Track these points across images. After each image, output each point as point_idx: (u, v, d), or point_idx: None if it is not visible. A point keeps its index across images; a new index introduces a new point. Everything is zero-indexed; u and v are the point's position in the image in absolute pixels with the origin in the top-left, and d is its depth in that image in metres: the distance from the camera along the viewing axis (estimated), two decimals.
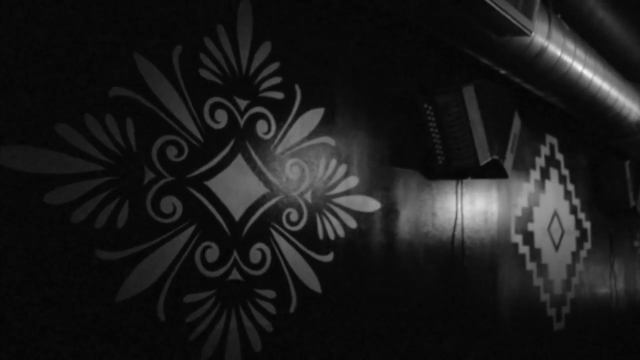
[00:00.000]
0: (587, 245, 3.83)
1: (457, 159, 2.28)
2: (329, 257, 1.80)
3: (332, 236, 1.82)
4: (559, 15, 2.69)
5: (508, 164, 2.45)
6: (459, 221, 2.48)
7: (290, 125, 1.72)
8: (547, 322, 3.20)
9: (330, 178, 1.84)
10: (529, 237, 3.07)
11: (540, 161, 3.30)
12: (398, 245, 2.09)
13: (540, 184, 3.27)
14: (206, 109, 1.50)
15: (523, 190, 3.07)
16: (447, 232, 2.41)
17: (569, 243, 3.57)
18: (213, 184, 1.50)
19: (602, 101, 3.10)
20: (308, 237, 1.73)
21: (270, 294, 1.61)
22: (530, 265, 3.06)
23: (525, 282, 3.00)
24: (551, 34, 2.49)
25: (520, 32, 2.15)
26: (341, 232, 1.85)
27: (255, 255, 1.58)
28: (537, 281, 3.13)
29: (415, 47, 2.27)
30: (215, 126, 1.51)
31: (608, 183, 4.02)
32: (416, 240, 2.21)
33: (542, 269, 3.19)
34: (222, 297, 1.48)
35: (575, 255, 3.62)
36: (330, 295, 1.79)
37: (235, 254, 1.52)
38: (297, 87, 1.76)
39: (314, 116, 1.81)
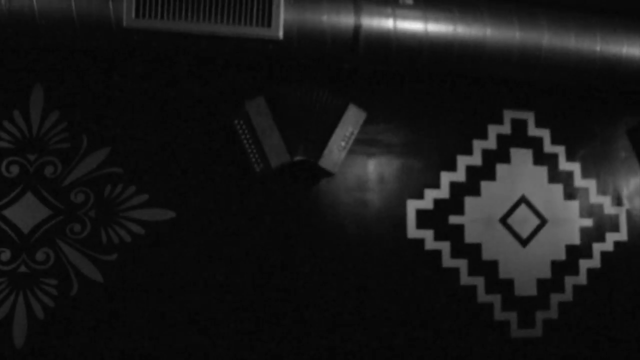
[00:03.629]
0: (618, 236, 3.00)
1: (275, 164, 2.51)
2: (112, 257, 2.44)
3: (116, 241, 2.45)
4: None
5: (329, 161, 2.50)
6: (304, 221, 2.64)
7: (76, 165, 2.46)
8: (496, 327, 2.79)
9: (117, 197, 2.48)
10: (451, 232, 2.80)
11: (483, 144, 2.91)
12: (196, 248, 2.52)
13: (486, 170, 2.89)
14: (3, 166, 2.41)
15: (440, 180, 2.82)
16: (284, 233, 2.61)
17: (562, 235, 2.94)
18: (8, 212, 2.39)
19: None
20: (91, 242, 2.43)
21: (53, 281, 2.38)
22: (454, 263, 2.78)
23: (443, 282, 2.76)
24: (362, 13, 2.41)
25: (267, 41, 2.29)
26: (127, 238, 2.46)
27: (40, 256, 2.38)
28: (471, 280, 2.79)
29: (221, 73, 2.62)
30: (9, 176, 2.41)
31: None
32: (228, 244, 2.55)
33: (483, 266, 2.82)
34: (13, 283, 2.35)
35: (576, 249, 2.94)
36: (113, 284, 2.42)
37: (24, 255, 2.37)
38: (84, 137, 2.48)
39: (100, 154, 2.49)
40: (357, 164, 2.73)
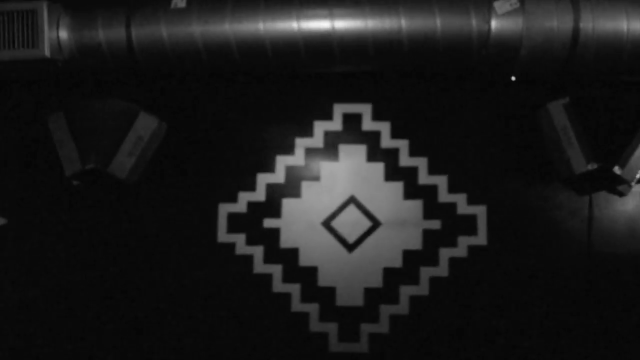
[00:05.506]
0: (474, 240, 2.56)
1: None
2: None
3: None
4: None
5: (118, 168, 2.58)
6: (118, 229, 2.75)
7: None
8: (312, 339, 2.55)
9: None
10: (265, 236, 2.66)
11: (308, 142, 2.73)
12: (25, 253, 2.78)
13: (308, 170, 2.70)
14: None
15: (256, 183, 2.71)
16: (100, 241, 2.75)
17: (399, 239, 2.60)
18: None
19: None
20: None
21: None
22: (267, 268, 2.63)
23: (255, 288, 2.62)
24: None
25: (55, 60, 2.50)
26: None
27: None
28: (286, 287, 2.61)
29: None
30: None
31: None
32: (52, 250, 2.77)
33: (300, 272, 2.61)
34: None
35: (416, 255, 2.57)
36: None
37: None
38: None
39: None
40: (166, 170, 2.75)
